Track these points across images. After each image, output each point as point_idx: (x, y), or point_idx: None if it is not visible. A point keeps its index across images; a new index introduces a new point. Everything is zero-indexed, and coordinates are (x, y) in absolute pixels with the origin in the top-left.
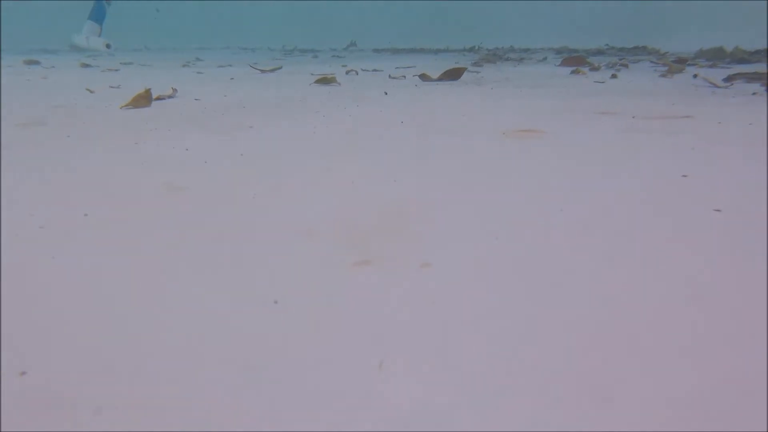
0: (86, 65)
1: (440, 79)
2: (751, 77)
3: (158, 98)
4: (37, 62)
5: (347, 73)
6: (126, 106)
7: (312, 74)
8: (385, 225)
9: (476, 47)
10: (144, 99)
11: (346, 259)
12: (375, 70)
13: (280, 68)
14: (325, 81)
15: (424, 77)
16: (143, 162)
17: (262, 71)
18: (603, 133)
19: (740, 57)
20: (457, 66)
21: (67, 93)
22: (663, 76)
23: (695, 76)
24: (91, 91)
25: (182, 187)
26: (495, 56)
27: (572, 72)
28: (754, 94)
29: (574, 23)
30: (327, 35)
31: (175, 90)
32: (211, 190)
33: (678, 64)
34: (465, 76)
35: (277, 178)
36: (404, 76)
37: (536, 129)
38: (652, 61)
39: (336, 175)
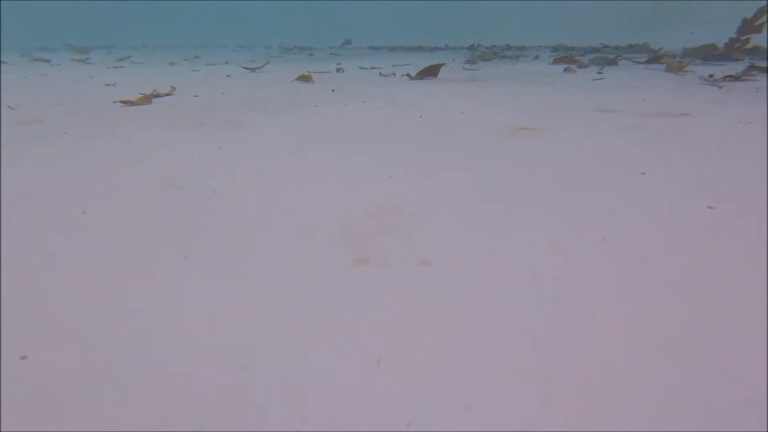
0: (88, 62)
1: (419, 77)
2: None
3: (156, 95)
4: (47, 60)
5: (338, 71)
6: (128, 104)
7: (309, 72)
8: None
9: (475, 45)
10: (147, 99)
11: (345, 257)
12: (372, 68)
13: (267, 63)
14: (303, 79)
15: (409, 76)
16: (142, 160)
17: (253, 70)
18: (599, 130)
19: (710, 53)
20: (434, 64)
21: (71, 90)
22: (666, 71)
23: (711, 76)
24: (12, 108)
25: (181, 185)
26: (492, 54)
27: (565, 70)
28: (720, 88)
29: (570, 22)
30: (325, 33)
31: (173, 88)
32: (209, 187)
33: (660, 59)
34: (461, 74)
35: (273, 172)
36: (394, 74)
37: (533, 127)
38: (634, 60)
39: (323, 165)
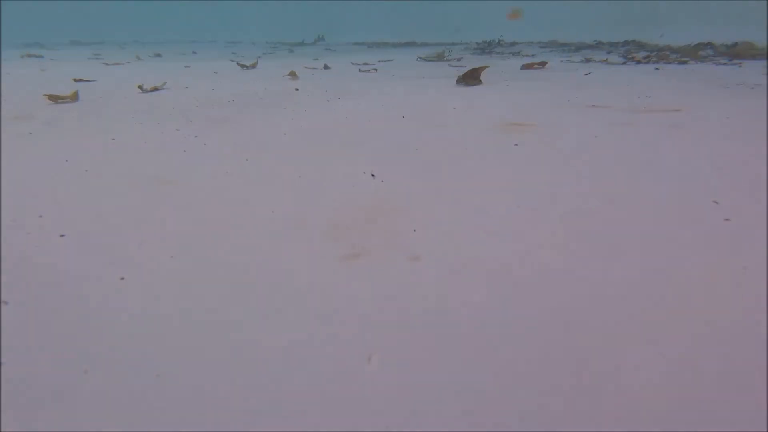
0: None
1: (461, 82)
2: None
3: (155, 89)
4: (40, 56)
5: (324, 68)
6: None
7: (293, 70)
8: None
9: (475, 42)
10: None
11: (335, 253)
12: (365, 63)
13: (258, 59)
14: (291, 75)
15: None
16: (135, 156)
17: (245, 67)
18: (593, 125)
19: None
20: (476, 67)
21: (67, 85)
22: (658, 69)
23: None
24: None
25: (171, 180)
26: (482, 50)
27: (522, 67)
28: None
29: (566, 18)
30: (313, 29)
31: (164, 82)
32: (200, 182)
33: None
34: (456, 71)
35: (263, 168)
36: (376, 70)
37: (525, 123)
38: (624, 56)
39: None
